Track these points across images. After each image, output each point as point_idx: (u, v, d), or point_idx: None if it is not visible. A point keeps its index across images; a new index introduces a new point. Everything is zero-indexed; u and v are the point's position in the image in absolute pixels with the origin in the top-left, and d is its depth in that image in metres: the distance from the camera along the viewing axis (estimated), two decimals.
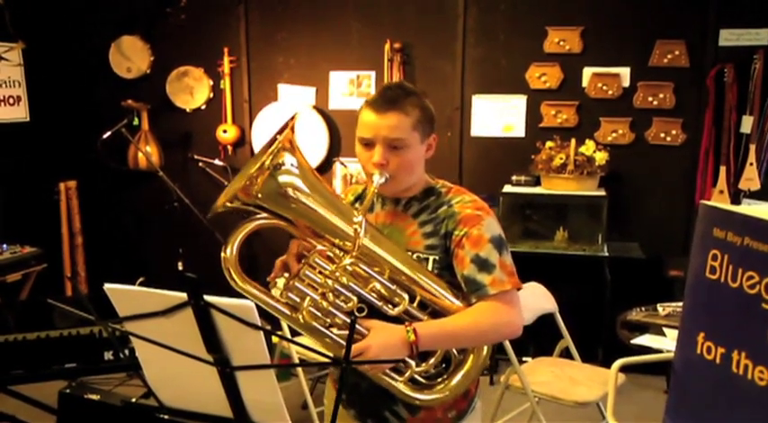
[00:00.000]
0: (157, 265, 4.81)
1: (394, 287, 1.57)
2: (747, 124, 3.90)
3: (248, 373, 1.27)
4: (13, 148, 4.59)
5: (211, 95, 4.69)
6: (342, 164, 4.47)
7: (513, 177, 4.20)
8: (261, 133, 4.54)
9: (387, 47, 4.31)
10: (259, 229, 1.57)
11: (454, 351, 1.63)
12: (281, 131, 1.54)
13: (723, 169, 3.94)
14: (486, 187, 4.20)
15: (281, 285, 1.58)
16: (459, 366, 1.62)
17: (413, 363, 1.57)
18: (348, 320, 1.49)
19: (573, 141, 4.00)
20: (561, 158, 3.99)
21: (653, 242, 4.12)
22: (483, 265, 1.56)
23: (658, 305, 3.16)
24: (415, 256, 1.62)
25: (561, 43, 4.12)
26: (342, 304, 1.55)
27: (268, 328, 1.24)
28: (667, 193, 4.14)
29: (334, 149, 4.55)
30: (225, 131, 4.61)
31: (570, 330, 3.26)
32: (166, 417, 1.40)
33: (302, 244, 1.61)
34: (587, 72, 4.13)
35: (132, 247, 5.00)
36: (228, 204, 1.49)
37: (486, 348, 1.62)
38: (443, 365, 1.63)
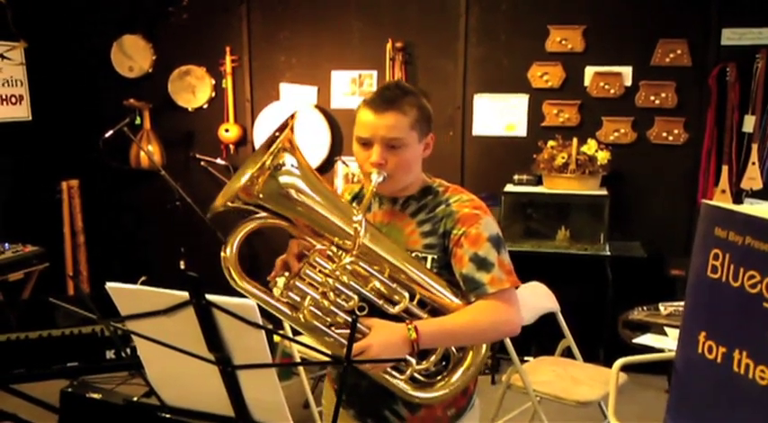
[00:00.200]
0: (159, 264, 4.82)
1: (394, 285, 1.57)
2: (749, 123, 3.89)
3: (250, 371, 1.27)
4: (15, 147, 4.59)
5: (213, 94, 4.69)
6: (343, 163, 4.47)
7: (515, 177, 4.19)
8: (263, 132, 4.54)
9: (388, 46, 4.31)
10: (259, 228, 1.57)
11: (453, 349, 1.64)
12: (280, 130, 1.54)
13: (725, 168, 3.94)
14: (487, 186, 4.20)
15: (281, 285, 1.58)
16: (458, 364, 1.62)
17: (413, 361, 1.58)
18: (349, 319, 1.49)
19: (575, 141, 4.00)
20: (563, 158, 3.99)
21: (655, 241, 4.11)
22: (482, 263, 1.57)
23: (660, 304, 3.16)
24: (413, 255, 1.63)
25: (563, 42, 4.12)
26: (343, 303, 1.55)
27: (269, 327, 1.24)
28: (669, 193, 4.14)
29: (336, 148, 4.55)
30: (227, 130, 4.62)
31: (572, 330, 3.26)
32: (168, 416, 1.40)
33: (302, 243, 1.61)
34: (589, 71, 4.13)
35: (134, 246, 5.01)
36: (229, 204, 1.50)
37: (484, 346, 1.63)
38: (443, 363, 1.64)
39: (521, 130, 4.29)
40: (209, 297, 1.20)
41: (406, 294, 1.57)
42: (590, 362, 3.35)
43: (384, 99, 1.60)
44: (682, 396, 1.05)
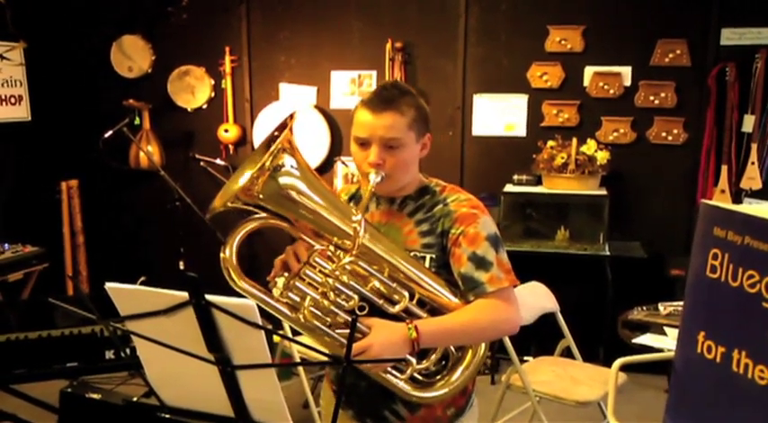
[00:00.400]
0: (159, 264, 4.82)
1: (394, 285, 1.57)
2: (749, 123, 3.90)
3: (249, 372, 1.27)
4: (14, 148, 4.60)
5: (213, 95, 4.69)
6: (343, 163, 4.47)
7: (515, 177, 4.19)
8: (262, 132, 4.54)
9: (388, 46, 4.31)
10: (259, 228, 1.57)
11: (452, 348, 1.64)
12: (279, 129, 1.54)
13: (725, 168, 3.94)
14: (487, 186, 4.21)
15: (281, 285, 1.58)
16: (457, 363, 1.63)
17: (414, 360, 1.58)
18: (349, 319, 1.49)
19: (574, 141, 4.00)
20: (562, 158, 3.99)
21: (654, 241, 4.12)
22: (480, 262, 1.57)
23: (659, 304, 3.16)
24: (411, 254, 1.63)
25: (563, 42, 4.12)
26: (343, 303, 1.55)
27: (269, 327, 1.24)
28: (669, 193, 4.14)
29: (336, 149, 4.55)
30: (226, 131, 4.62)
31: (571, 330, 3.26)
32: (168, 416, 1.40)
33: (302, 243, 1.61)
34: (589, 71, 4.13)
35: (133, 246, 5.00)
36: (229, 204, 1.50)
37: (483, 345, 1.63)
38: (442, 363, 1.64)
39: (520, 130, 4.30)
40: (208, 297, 1.20)
41: (406, 294, 1.57)
42: (589, 362, 3.35)
43: (382, 99, 1.60)
44: (681, 396, 1.05)
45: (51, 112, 4.77)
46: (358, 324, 1.49)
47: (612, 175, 4.08)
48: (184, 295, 1.22)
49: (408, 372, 1.58)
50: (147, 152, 4.46)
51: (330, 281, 1.54)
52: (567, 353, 3.32)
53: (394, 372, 1.58)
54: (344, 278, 1.55)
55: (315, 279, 1.55)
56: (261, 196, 1.49)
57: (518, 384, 3.00)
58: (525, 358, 3.52)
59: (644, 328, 2.95)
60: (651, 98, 4.05)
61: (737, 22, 3.87)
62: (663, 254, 4.09)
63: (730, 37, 3.90)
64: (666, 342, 2.76)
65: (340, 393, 1.71)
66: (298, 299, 1.55)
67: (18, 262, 4.12)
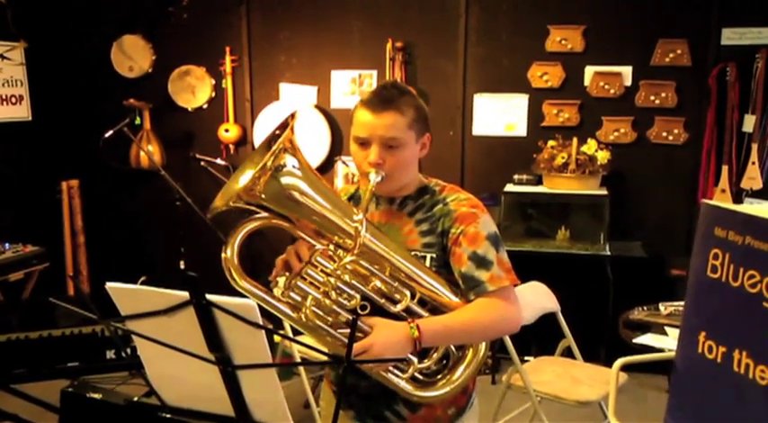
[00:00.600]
0: (159, 264, 4.82)
1: (395, 284, 1.57)
2: (749, 123, 3.89)
3: (250, 371, 1.27)
4: (15, 148, 4.59)
5: (213, 95, 4.69)
6: (343, 163, 4.47)
7: (515, 176, 4.19)
8: (263, 132, 4.54)
9: (388, 46, 4.31)
10: (259, 228, 1.57)
11: (452, 348, 1.64)
12: (280, 128, 1.54)
13: (725, 168, 3.94)
14: (487, 186, 4.21)
15: (282, 285, 1.58)
16: (458, 362, 1.63)
17: (415, 360, 1.58)
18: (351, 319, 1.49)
19: (575, 140, 4.00)
20: (563, 157, 3.99)
21: (655, 241, 4.11)
22: (481, 262, 1.57)
23: (660, 304, 3.16)
24: (412, 254, 1.63)
25: (563, 42, 4.12)
26: (344, 302, 1.55)
27: (270, 326, 1.24)
28: (669, 193, 4.14)
29: (336, 148, 4.55)
30: (227, 130, 4.62)
31: (572, 330, 3.26)
32: (168, 416, 1.40)
33: (303, 243, 1.61)
34: (589, 71, 4.13)
35: (134, 246, 5.01)
36: (231, 204, 1.50)
37: (484, 344, 1.63)
38: (443, 362, 1.64)
39: (521, 129, 4.29)
40: (209, 297, 1.20)
41: (408, 293, 1.57)
42: (590, 362, 3.35)
43: (382, 99, 1.60)
44: (682, 396, 1.05)
45: (52, 112, 4.77)
46: (360, 323, 1.49)
47: (613, 175, 4.08)
48: (185, 295, 1.22)
49: (410, 371, 1.58)
50: (148, 152, 4.46)
51: (332, 280, 1.54)
52: (568, 353, 3.32)
53: (395, 371, 1.58)
54: (346, 277, 1.55)
55: (316, 278, 1.55)
56: (263, 196, 1.49)
57: (519, 384, 3.00)
58: (526, 358, 3.52)
59: (645, 328, 2.95)
60: (652, 98, 4.05)
61: (738, 22, 3.87)
62: (663, 254, 4.09)
63: (731, 37, 3.90)
64: (667, 342, 2.77)
65: (340, 393, 1.71)
66: (299, 298, 1.55)
67: (19, 262, 4.12)
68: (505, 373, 3.15)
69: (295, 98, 4.55)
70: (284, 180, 1.50)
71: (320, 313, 1.55)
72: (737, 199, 3.97)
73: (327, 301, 1.54)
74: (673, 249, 4.07)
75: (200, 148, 4.72)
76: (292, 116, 1.56)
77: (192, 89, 4.68)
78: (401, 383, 1.58)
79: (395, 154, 1.60)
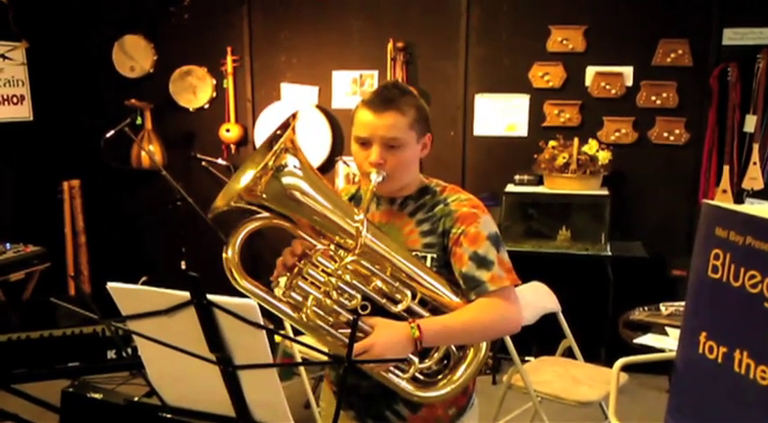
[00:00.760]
0: (160, 264, 4.82)
1: (396, 284, 1.57)
2: (751, 123, 3.89)
3: (251, 371, 1.27)
4: (16, 148, 4.60)
5: (214, 95, 4.69)
6: (344, 163, 4.48)
7: (516, 177, 4.19)
8: (264, 132, 4.54)
9: (389, 46, 4.31)
10: (260, 228, 1.57)
11: (453, 348, 1.64)
12: (281, 128, 1.54)
13: (726, 168, 3.94)
14: (488, 186, 4.21)
15: (283, 285, 1.58)
16: (459, 362, 1.63)
17: (416, 360, 1.58)
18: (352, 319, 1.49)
19: (576, 140, 4.00)
20: (564, 158, 3.99)
21: (656, 241, 4.11)
22: (482, 262, 1.57)
23: (661, 305, 3.16)
24: (413, 254, 1.63)
25: (564, 42, 4.12)
26: (345, 302, 1.55)
27: (270, 326, 1.24)
28: (670, 193, 4.14)
29: (337, 148, 4.55)
30: (228, 130, 4.62)
31: (573, 330, 3.26)
32: (169, 416, 1.40)
33: (305, 243, 1.61)
34: (590, 71, 4.13)
35: (135, 246, 5.01)
36: (232, 203, 1.50)
37: (485, 344, 1.63)
38: (444, 362, 1.64)
39: (522, 130, 4.29)
40: (210, 297, 1.21)
41: (408, 293, 1.57)
42: (591, 362, 3.35)
43: (383, 99, 1.60)
44: (682, 396, 1.05)
45: (53, 112, 4.77)
46: (360, 323, 1.49)
47: (614, 176, 4.08)
48: (186, 295, 1.22)
49: (411, 371, 1.58)
50: (149, 152, 4.47)
51: (333, 280, 1.54)
52: (569, 353, 3.32)
53: (396, 371, 1.58)
54: (347, 277, 1.55)
55: (317, 278, 1.55)
56: (264, 196, 1.49)
57: (519, 384, 3.00)
58: (527, 358, 3.52)
59: (645, 328, 2.94)
60: (653, 98, 4.05)
61: (739, 23, 3.87)
62: (664, 254, 4.09)
63: (732, 37, 3.90)
64: (668, 342, 2.76)
65: (341, 394, 1.71)
66: (300, 298, 1.55)
67: (20, 262, 4.12)
68: (506, 373, 3.15)
69: (296, 98, 4.55)
70: (285, 180, 1.50)
71: (321, 313, 1.55)
72: (738, 199, 3.96)
73: (328, 301, 1.54)
74: (673, 250, 4.07)
75: (202, 148, 4.72)
76: (293, 116, 1.56)
77: (194, 89, 4.68)
78: (402, 383, 1.58)
79: (396, 154, 1.60)
